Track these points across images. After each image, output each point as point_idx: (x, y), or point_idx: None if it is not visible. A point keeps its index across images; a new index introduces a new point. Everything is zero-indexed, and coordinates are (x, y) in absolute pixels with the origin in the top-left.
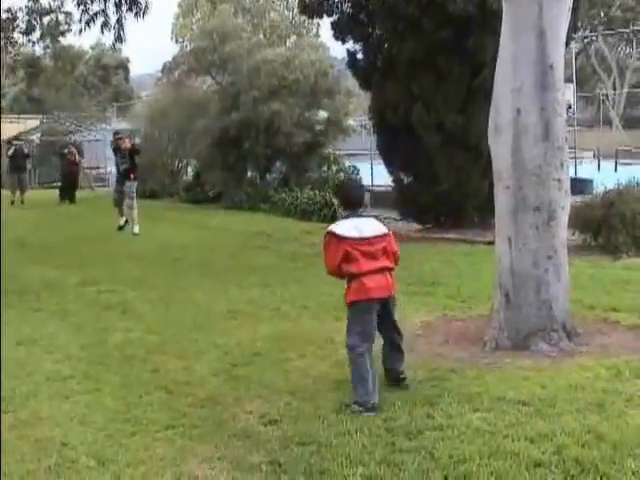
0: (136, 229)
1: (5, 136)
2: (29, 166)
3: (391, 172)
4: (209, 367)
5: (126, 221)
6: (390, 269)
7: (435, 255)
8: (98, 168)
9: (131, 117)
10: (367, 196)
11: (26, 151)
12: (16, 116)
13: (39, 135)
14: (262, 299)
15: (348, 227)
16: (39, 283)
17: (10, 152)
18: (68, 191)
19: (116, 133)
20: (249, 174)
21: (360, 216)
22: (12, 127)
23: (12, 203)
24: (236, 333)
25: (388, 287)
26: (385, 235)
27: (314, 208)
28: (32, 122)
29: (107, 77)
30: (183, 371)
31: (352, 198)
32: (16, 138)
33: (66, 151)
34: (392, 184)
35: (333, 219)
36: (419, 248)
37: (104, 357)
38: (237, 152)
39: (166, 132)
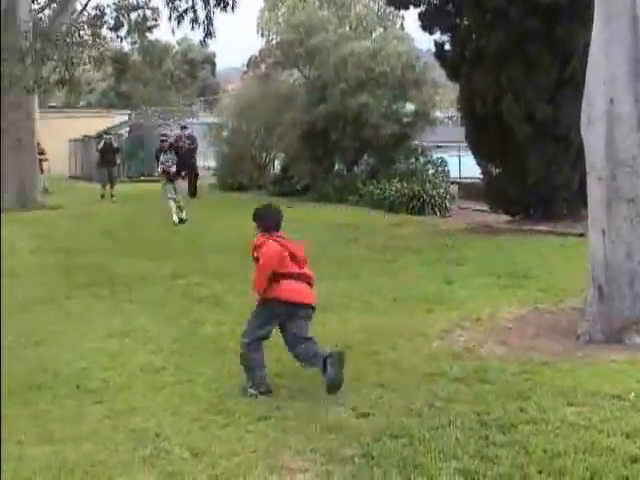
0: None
1: (95, 131)
2: (118, 160)
3: (480, 163)
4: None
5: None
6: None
7: (525, 247)
8: None
9: (218, 111)
10: (455, 188)
11: (115, 145)
12: (105, 111)
13: (127, 129)
14: (352, 291)
15: None
16: (130, 275)
17: (100, 146)
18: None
19: (163, 135)
20: (337, 166)
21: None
22: (101, 122)
23: (102, 197)
24: (327, 325)
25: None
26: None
27: (402, 200)
28: (120, 117)
29: (194, 71)
30: (275, 363)
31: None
32: (106, 132)
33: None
34: (480, 176)
35: (421, 211)
36: (509, 240)
37: (196, 349)
38: (325, 145)
39: (253, 125)
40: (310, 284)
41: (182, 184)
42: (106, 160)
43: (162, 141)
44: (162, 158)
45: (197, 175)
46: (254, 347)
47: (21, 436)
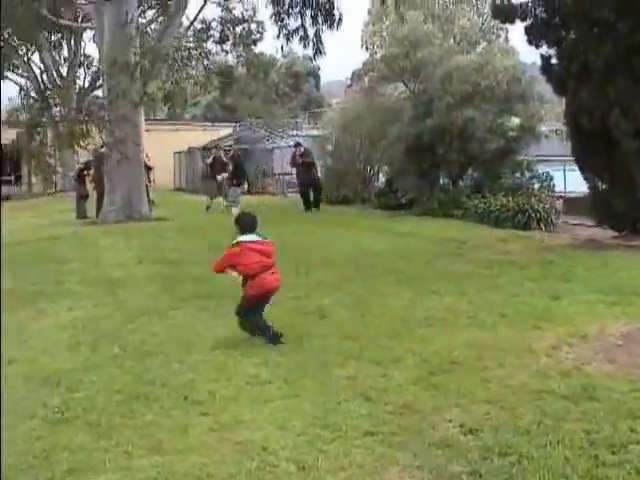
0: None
1: (200, 144)
2: (226, 174)
3: (586, 178)
4: (407, 374)
5: None
6: None
7: (633, 263)
8: (290, 174)
9: (322, 124)
10: (560, 203)
11: (225, 160)
12: (209, 124)
13: (232, 143)
14: (458, 306)
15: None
16: (236, 288)
17: (209, 160)
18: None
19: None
20: (442, 180)
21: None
22: (205, 134)
23: (207, 209)
24: (433, 340)
25: None
26: None
27: (507, 215)
28: (225, 129)
29: (298, 84)
30: (381, 378)
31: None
32: (215, 147)
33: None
34: (586, 190)
35: (527, 226)
36: (616, 256)
37: (302, 363)
38: (430, 158)
39: (358, 138)
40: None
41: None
42: (215, 174)
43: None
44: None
45: (320, 189)
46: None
47: (128, 447)
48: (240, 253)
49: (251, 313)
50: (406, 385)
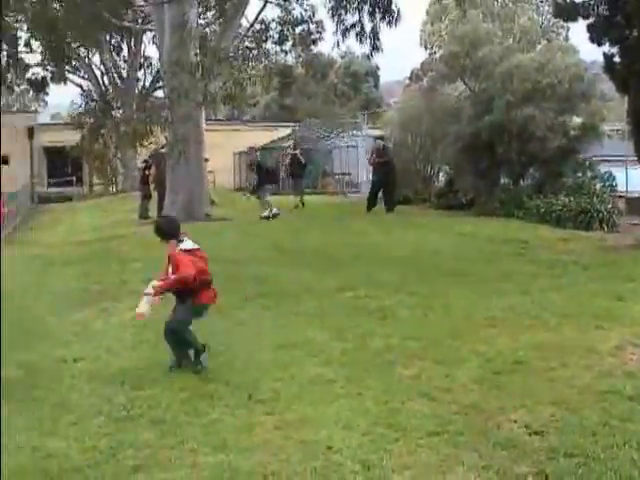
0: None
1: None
2: (304, 173)
3: None
4: (471, 374)
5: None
6: None
7: None
8: (350, 174)
9: (381, 124)
10: (621, 202)
11: (303, 161)
12: (269, 124)
13: (291, 143)
14: (521, 307)
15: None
16: (298, 287)
17: (287, 160)
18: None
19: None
20: (502, 180)
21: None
22: (265, 134)
23: (296, 207)
24: (496, 341)
25: None
26: None
27: (569, 215)
28: (284, 130)
29: (357, 84)
30: (445, 378)
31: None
32: (294, 147)
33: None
34: None
35: (589, 226)
36: None
37: (365, 362)
38: (490, 158)
39: (418, 138)
40: None
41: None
42: (293, 173)
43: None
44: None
45: (393, 190)
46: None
47: (194, 444)
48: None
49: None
50: (470, 385)
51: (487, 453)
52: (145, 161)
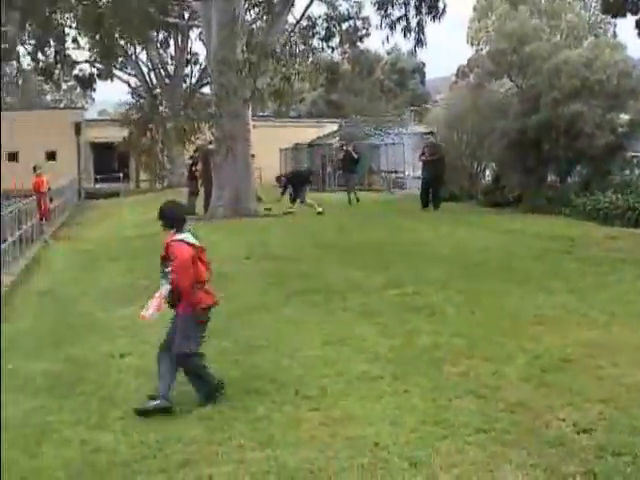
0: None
1: (305, 140)
2: (356, 169)
3: None
4: (519, 372)
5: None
6: None
7: None
8: (396, 172)
9: (428, 120)
10: None
11: (356, 156)
12: (315, 120)
13: (337, 139)
14: (568, 304)
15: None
16: (344, 283)
17: (341, 155)
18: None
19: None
20: (549, 177)
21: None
22: (311, 131)
23: (350, 202)
24: (544, 338)
25: None
26: None
27: (616, 212)
28: (330, 126)
29: (403, 81)
30: (492, 375)
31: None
32: (347, 143)
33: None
34: None
35: (637, 223)
36: None
37: (412, 359)
38: (537, 155)
39: (464, 135)
40: None
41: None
42: (345, 168)
43: None
44: None
45: (439, 188)
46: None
47: (241, 440)
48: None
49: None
50: (518, 383)
51: (535, 451)
52: (192, 157)
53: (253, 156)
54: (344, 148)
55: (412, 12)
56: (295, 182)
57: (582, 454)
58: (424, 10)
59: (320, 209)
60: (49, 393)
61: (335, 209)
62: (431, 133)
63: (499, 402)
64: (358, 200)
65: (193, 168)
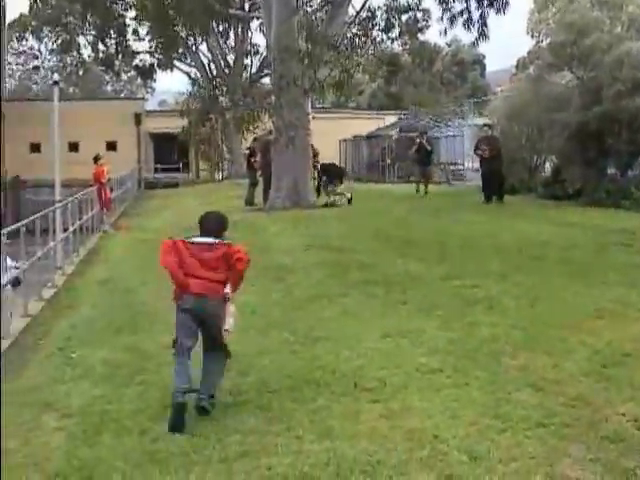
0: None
1: (365, 132)
2: (432, 160)
3: None
4: (578, 366)
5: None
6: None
7: None
8: (456, 164)
9: (488, 112)
10: None
11: (429, 148)
12: (374, 112)
13: (397, 131)
14: (628, 298)
15: None
16: (404, 275)
17: (414, 148)
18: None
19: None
20: (609, 170)
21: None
22: (370, 123)
23: (417, 192)
24: (604, 332)
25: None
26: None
27: None
28: (390, 118)
29: (463, 73)
30: (552, 369)
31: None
32: (421, 134)
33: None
34: None
35: None
36: None
37: (472, 352)
38: (597, 147)
39: (524, 127)
40: None
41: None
42: (420, 160)
43: None
44: None
45: (502, 181)
46: None
47: (300, 431)
48: None
49: None
50: (578, 376)
51: (594, 446)
52: (249, 148)
53: (315, 156)
54: (417, 140)
55: (474, 5)
56: (329, 175)
57: None
58: (486, 2)
59: (349, 195)
60: (109, 382)
61: (393, 201)
62: (487, 126)
63: (559, 396)
64: (426, 193)
65: (252, 159)
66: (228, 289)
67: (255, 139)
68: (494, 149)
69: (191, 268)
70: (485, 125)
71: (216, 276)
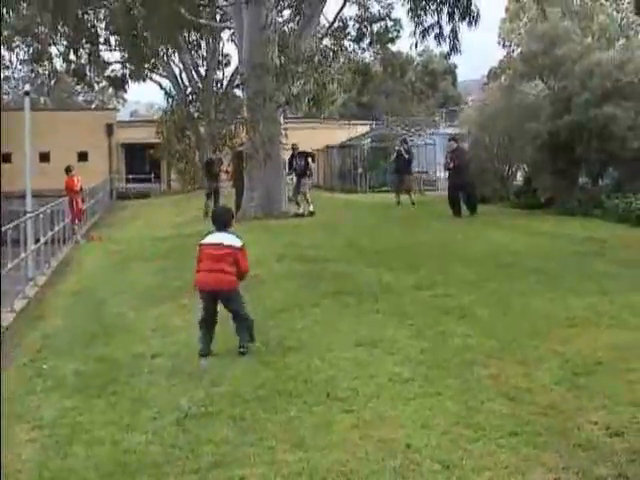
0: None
1: (336, 142)
2: (412, 169)
3: None
4: (550, 375)
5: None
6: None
7: None
8: (427, 172)
9: (459, 122)
10: None
11: (407, 156)
12: (346, 122)
13: (369, 141)
14: (600, 307)
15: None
16: (375, 285)
17: (392, 157)
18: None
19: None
20: (581, 179)
21: (223, 231)
22: (342, 132)
23: (398, 203)
24: (576, 341)
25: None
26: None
27: None
28: (361, 127)
29: (435, 83)
30: (524, 378)
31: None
32: (402, 142)
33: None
34: None
35: None
36: None
37: (444, 361)
38: (568, 157)
39: (496, 137)
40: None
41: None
42: (397, 169)
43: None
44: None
45: (472, 192)
46: None
47: (273, 441)
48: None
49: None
50: (550, 385)
51: (567, 454)
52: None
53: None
54: (397, 148)
55: (445, 19)
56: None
57: (614, 457)
58: (457, 16)
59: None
60: (81, 393)
61: (365, 210)
62: (453, 139)
63: (531, 405)
64: (413, 204)
65: (213, 169)
66: None
67: (215, 150)
68: (459, 161)
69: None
70: (452, 138)
71: None
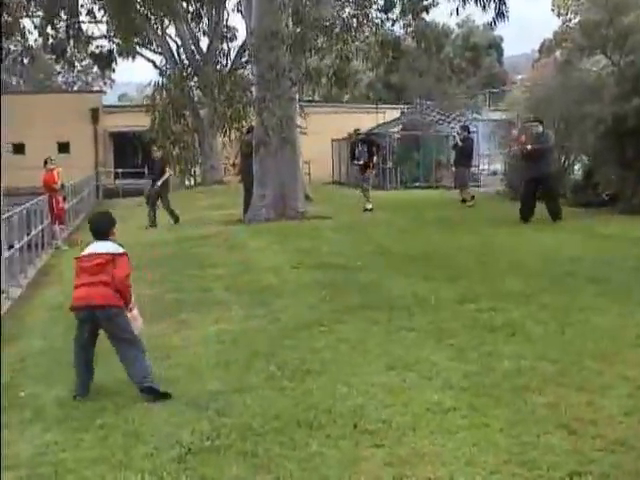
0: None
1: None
2: (470, 162)
3: None
4: (618, 404)
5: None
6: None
7: None
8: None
9: (506, 105)
10: None
11: (461, 145)
12: (373, 106)
13: (399, 128)
14: None
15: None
16: (409, 297)
17: (452, 144)
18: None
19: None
20: None
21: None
22: (368, 118)
23: (463, 201)
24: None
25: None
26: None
27: None
28: (391, 112)
29: (477, 59)
30: (587, 407)
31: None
32: (463, 128)
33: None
34: None
35: None
36: None
37: (491, 387)
38: (637, 146)
39: (550, 123)
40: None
41: None
42: (455, 162)
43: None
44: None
45: (554, 191)
46: None
47: None
48: None
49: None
50: (618, 416)
51: None
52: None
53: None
54: (456, 135)
55: None
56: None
57: None
58: None
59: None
60: (64, 425)
61: (397, 211)
62: (538, 120)
63: (595, 439)
64: (464, 200)
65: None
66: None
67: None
68: (543, 148)
69: None
70: (534, 120)
71: None
